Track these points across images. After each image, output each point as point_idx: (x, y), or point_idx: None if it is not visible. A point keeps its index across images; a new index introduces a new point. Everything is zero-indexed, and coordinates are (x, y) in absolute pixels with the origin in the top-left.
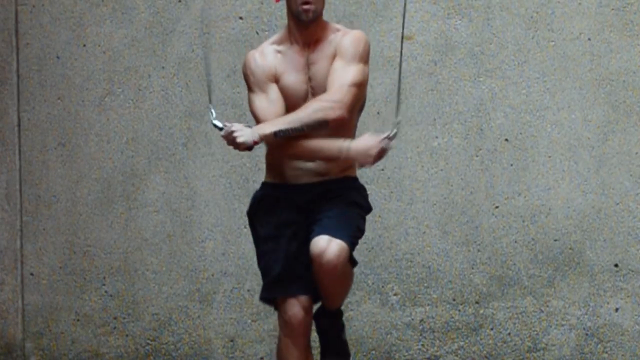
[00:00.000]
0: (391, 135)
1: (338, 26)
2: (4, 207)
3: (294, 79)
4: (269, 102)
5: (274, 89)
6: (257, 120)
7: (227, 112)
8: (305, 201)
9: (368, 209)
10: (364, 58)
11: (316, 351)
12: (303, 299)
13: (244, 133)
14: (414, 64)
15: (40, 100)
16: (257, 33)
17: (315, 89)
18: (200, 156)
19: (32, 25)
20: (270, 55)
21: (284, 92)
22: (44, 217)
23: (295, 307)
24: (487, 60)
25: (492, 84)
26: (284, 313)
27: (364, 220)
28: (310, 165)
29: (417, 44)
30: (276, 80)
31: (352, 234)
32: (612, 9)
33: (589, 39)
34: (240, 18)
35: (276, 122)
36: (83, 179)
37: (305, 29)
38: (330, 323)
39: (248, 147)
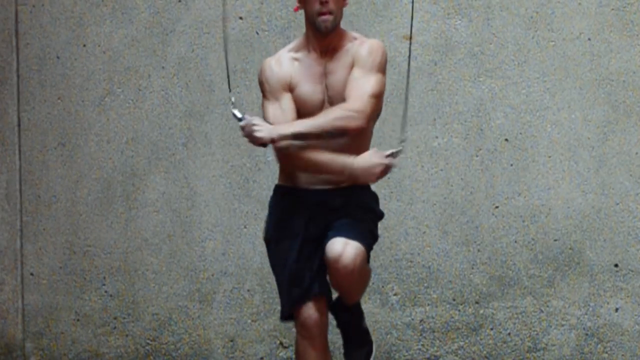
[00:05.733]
0: (395, 152)
1: (355, 35)
2: (4, 207)
3: (310, 88)
4: (282, 110)
5: (287, 98)
6: None
7: (227, 112)
8: (317, 207)
9: (380, 215)
10: (382, 68)
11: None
12: (317, 299)
13: (263, 128)
14: (414, 64)
15: (40, 100)
16: (257, 33)
17: (332, 98)
18: (200, 156)
19: (32, 25)
20: (286, 62)
21: (300, 101)
22: (44, 217)
23: (310, 309)
24: (487, 60)
25: (492, 84)
26: (299, 315)
27: (376, 226)
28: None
29: (417, 44)
30: (291, 89)
31: (367, 236)
32: (612, 9)
33: (589, 39)
34: (240, 18)
35: (295, 124)
36: (83, 179)
37: (323, 38)
38: (350, 314)
39: (263, 143)
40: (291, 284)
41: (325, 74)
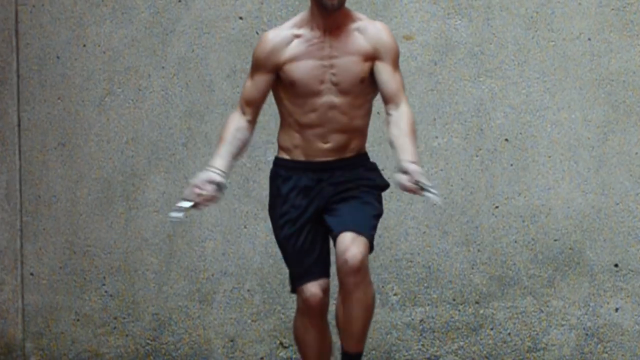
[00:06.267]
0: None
1: (360, 15)
2: (4, 207)
3: (310, 64)
4: (253, 87)
5: (264, 78)
6: (241, 97)
7: (227, 113)
8: (319, 180)
9: (385, 185)
10: None
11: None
12: (322, 280)
13: (426, 182)
14: (414, 64)
15: (40, 100)
16: (257, 33)
17: (338, 76)
18: (200, 156)
19: (32, 25)
20: (284, 41)
21: (297, 75)
22: (44, 217)
23: (314, 287)
24: (487, 60)
25: (492, 84)
26: (302, 293)
27: (381, 201)
28: (326, 146)
29: (417, 44)
30: (281, 65)
31: (373, 223)
32: (612, 9)
33: (589, 39)
34: (240, 18)
35: (412, 155)
36: (83, 179)
37: (329, 16)
38: None
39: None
40: (295, 263)
41: (330, 53)
